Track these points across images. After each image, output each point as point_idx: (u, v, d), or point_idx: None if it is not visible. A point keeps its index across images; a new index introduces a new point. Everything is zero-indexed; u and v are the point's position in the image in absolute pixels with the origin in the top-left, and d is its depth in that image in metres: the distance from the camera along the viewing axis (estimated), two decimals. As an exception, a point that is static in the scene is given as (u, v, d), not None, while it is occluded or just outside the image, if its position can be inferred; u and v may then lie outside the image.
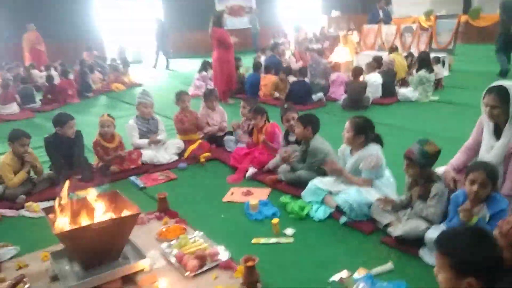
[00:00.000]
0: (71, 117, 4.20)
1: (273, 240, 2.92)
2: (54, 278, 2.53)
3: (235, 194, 3.72)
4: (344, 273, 2.42)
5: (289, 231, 3.02)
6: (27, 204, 3.65)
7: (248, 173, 4.03)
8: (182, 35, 17.29)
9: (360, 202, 2.96)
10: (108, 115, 4.39)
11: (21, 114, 7.69)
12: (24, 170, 3.82)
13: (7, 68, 10.49)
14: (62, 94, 8.46)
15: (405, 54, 8.59)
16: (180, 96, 4.86)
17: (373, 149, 3.13)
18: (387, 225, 2.85)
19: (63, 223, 2.35)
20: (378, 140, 3.24)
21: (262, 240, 2.93)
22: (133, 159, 4.39)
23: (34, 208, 3.61)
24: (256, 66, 8.13)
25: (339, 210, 3.14)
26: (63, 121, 4.14)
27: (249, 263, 2.35)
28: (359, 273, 2.43)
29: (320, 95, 7.13)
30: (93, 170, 4.27)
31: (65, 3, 14.11)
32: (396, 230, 2.71)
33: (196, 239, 2.90)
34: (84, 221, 2.39)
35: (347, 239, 2.89)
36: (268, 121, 4.34)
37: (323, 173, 3.55)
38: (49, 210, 2.53)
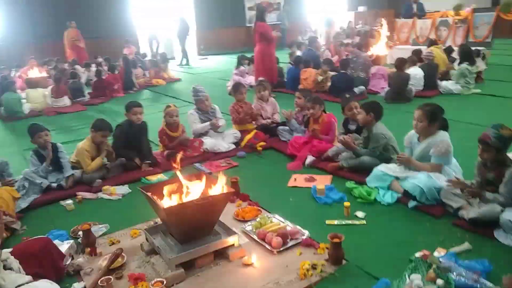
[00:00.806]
0: (137, 104, 4.43)
1: (346, 221, 3.07)
2: (150, 252, 2.75)
3: (298, 180, 3.88)
4: (425, 251, 2.54)
5: (360, 214, 3.16)
6: (104, 187, 3.90)
7: (307, 161, 4.19)
8: (212, 32, 17.52)
9: (430, 187, 3.08)
10: (174, 105, 4.61)
11: (73, 107, 8.04)
12: (101, 157, 4.07)
13: (54, 65, 10.93)
14: (109, 88, 8.78)
15: (444, 47, 8.56)
16: (238, 88, 5.04)
17: (443, 135, 3.23)
18: (458, 209, 2.96)
19: (166, 199, 2.56)
20: (445, 126, 3.34)
21: (336, 222, 3.08)
22: (196, 147, 4.61)
23: (112, 191, 3.86)
24: (296, 60, 8.26)
25: (406, 195, 3.26)
26: (129, 107, 4.38)
27: (336, 240, 2.51)
28: (439, 252, 2.56)
29: (362, 88, 7.22)
30: (158, 158, 4.51)
31: (101, 1, 14.50)
32: (470, 213, 2.82)
33: (273, 220, 3.08)
34: (184, 197, 2.59)
35: (418, 222, 3.02)
36: (325, 112, 4.48)
37: (386, 159, 3.68)
38: (147, 188, 2.73)
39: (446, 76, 7.48)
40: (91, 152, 4.05)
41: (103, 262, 2.67)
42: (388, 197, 3.32)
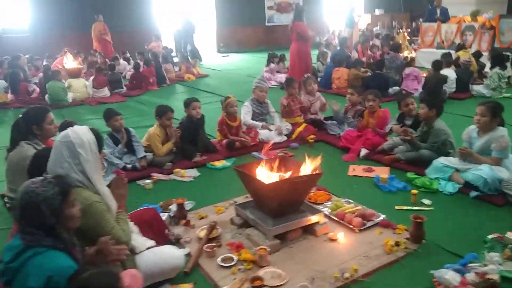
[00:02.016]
0: (195, 99, 4.69)
1: (415, 207, 3.33)
2: (242, 225, 3.01)
3: (356, 170, 4.14)
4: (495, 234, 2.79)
5: (427, 201, 3.42)
6: (175, 170, 4.17)
7: (362, 153, 4.45)
8: (232, 30, 17.80)
9: (493, 178, 3.33)
10: (233, 96, 4.88)
11: (113, 97, 8.33)
12: (171, 142, 4.34)
13: (83, 57, 11.23)
14: (145, 81, 9.06)
15: (471, 52, 8.81)
16: (291, 83, 5.29)
17: (503, 131, 3.48)
18: (519, 198, 3.21)
19: (263, 176, 2.82)
20: (502, 123, 3.59)
21: (405, 207, 3.34)
22: (252, 137, 4.87)
23: (182, 174, 4.13)
24: (333, 59, 8.52)
25: (467, 186, 3.51)
26: (188, 102, 4.64)
27: (418, 220, 2.77)
28: (510, 235, 2.80)
29: (396, 88, 7.47)
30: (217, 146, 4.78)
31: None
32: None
33: (345, 204, 3.34)
34: (278, 175, 2.85)
35: (483, 210, 3.27)
36: (380, 107, 4.74)
37: (444, 153, 3.93)
38: (240, 168, 2.99)
39: (476, 80, 7.72)
40: (161, 137, 4.32)
41: (200, 233, 2.94)
42: (449, 187, 3.57)
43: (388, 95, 7.34)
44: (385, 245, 2.74)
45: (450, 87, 7.16)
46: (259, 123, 5.09)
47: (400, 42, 12.29)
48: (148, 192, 3.85)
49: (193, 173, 4.18)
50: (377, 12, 21.66)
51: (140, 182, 4.00)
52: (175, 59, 12.44)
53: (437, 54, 10.16)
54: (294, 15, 8.02)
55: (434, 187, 3.60)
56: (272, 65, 9.65)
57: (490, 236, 2.78)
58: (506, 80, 7.29)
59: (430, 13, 12.00)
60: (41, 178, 1.78)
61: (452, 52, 8.65)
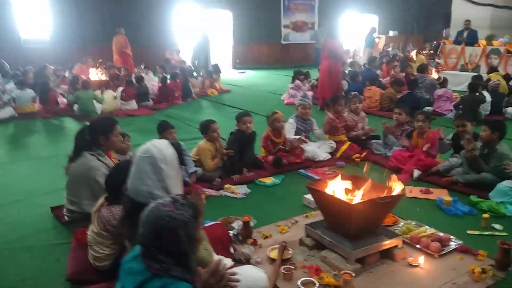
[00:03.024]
0: (246, 113, 4.60)
1: (486, 232, 3.19)
2: (314, 246, 2.88)
3: (413, 192, 4.01)
4: None
5: (497, 226, 3.28)
6: (226, 186, 4.05)
7: (415, 174, 4.32)
8: (248, 47, 17.91)
9: None
10: (280, 112, 4.79)
11: (140, 110, 8.27)
12: (220, 157, 4.23)
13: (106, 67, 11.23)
14: (171, 95, 9.02)
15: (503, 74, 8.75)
16: (338, 100, 5.21)
17: None
18: None
19: (344, 196, 2.70)
20: None
21: (477, 232, 3.20)
22: (298, 154, 4.76)
23: (233, 190, 4.01)
24: (354, 76, 8.47)
25: (537, 210, 3.38)
26: (239, 117, 4.55)
27: (505, 246, 2.63)
28: None
29: (429, 108, 7.38)
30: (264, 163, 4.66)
31: (145, 11, 14.93)
32: None
33: (415, 226, 3.20)
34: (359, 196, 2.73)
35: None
36: (429, 128, 4.63)
37: (506, 176, 3.80)
38: (314, 185, 2.87)
39: (509, 103, 7.63)
40: (212, 152, 4.22)
41: (271, 253, 2.81)
42: (518, 211, 3.44)
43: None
44: (471, 272, 2.59)
45: (485, 109, 7.07)
46: (297, 137, 4.96)
47: (419, 63, 12.28)
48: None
49: (243, 189, 4.06)
50: (391, 33, 21.80)
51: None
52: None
53: (461, 76, 10.13)
54: (327, 32, 8.01)
55: (502, 211, 3.46)
56: (297, 81, 9.60)
57: None
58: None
59: (458, 35, 12.02)
60: (168, 199, 1.64)
61: (484, 75, 8.62)
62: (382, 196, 2.65)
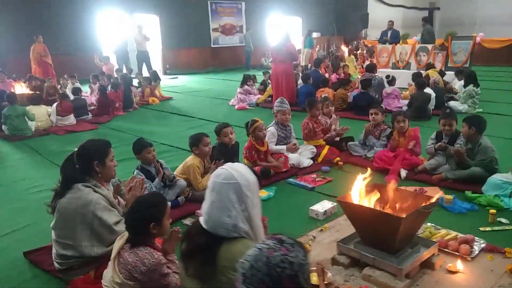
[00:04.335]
0: (225, 125, 4.27)
1: (500, 227, 3.25)
2: (349, 264, 2.68)
3: (408, 192, 4.00)
4: None
5: (503, 220, 3.36)
6: (221, 205, 3.69)
7: (403, 174, 4.34)
8: (177, 52, 17.33)
9: (562, 192, 3.38)
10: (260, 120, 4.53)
11: (81, 125, 7.44)
12: (210, 172, 3.85)
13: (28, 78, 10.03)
14: (112, 106, 8.29)
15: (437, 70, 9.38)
16: (314, 104, 5.07)
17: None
18: None
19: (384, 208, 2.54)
20: None
21: (489, 228, 3.24)
22: (283, 162, 4.54)
23: (230, 209, 3.66)
24: (305, 78, 8.48)
25: (530, 200, 3.54)
26: (218, 130, 4.23)
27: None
28: None
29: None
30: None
31: (66, 17, 13.72)
32: None
33: (435, 230, 3.16)
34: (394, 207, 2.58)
35: (559, 224, 3.29)
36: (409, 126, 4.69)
37: (492, 169, 3.95)
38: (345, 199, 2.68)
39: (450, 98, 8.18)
40: (201, 169, 3.83)
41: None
42: (513, 203, 3.57)
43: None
44: (510, 272, 2.59)
45: (431, 104, 7.48)
46: (283, 146, 4.78)
47: (346, 62, 12.78)
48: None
49: (240, 206, 3.73)
50: (314, 35, 22.54)
51: (187, 221, 3.48)
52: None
53: (394, 73, 10.66)
54: (285, 36, 7.89)
55: (501, 204, 3.57)
56: (246, 86, 9.39)
57: None
58: (479, 96, 7.79)
59: (382, 36, 12.70)
60: (272, 241, 1.33)
61: (423, 71, 9.15)
62: (425, 204, 2.54)
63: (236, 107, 9.03)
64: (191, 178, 3.77)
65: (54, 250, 2.55)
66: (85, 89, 10.64)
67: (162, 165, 3.76)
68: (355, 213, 2.64)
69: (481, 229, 3.24)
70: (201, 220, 1.87)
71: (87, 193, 2.46)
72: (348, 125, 5.51)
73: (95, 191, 2.51)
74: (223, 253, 1.76)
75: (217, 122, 7.45)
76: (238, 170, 1.82)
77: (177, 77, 15.97)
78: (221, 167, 1.91)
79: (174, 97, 10.83)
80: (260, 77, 10.97)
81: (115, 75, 10.77)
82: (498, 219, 3.38)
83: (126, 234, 2.18)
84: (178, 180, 3.70)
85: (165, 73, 16.84)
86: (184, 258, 1.89)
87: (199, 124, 7.58)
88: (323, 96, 5.58)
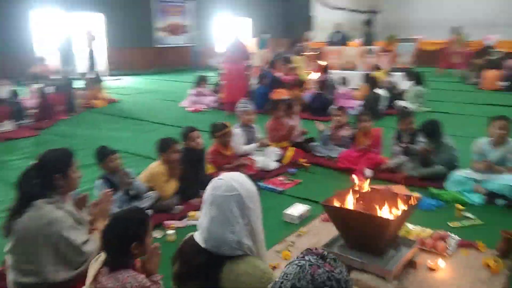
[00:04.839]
0: (192, 129, 4.03)
1: (467, 223, 3.36)
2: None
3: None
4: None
5: (468, 214, 3.48)
6: (190, 214, 3.50)
7: (368, 173, 4.39)
8: (121, 52, 16.60)
9: (518, 185, 3.57)
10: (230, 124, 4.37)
11: (20, 131, 6.80)
12: (174, 179, 3.63)
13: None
14: (54, 110, 7.69)
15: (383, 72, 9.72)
16: (278, 105, 4.99)
17: (516, 142, 3.78)
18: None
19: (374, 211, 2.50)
20: None
21: (459, 224, 3.34)
22: (250, 166, 4.42)
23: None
24: (260, 79, 8.43)
25: (490, 195, 3.70)
26: (185, 134, 3.98)
27: (508, 235, 2.77)
28: None
29: (334, 107, 7.74)
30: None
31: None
32: None
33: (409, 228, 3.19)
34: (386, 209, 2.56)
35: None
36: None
37: (453, 166, 4.10)
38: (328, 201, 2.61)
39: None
40: (165, 176, 3.59)
41: None
42: (476, 198, 3.72)
43: (329, 114, 7.60)
44: (486, 266, 2.66)
45: (383, 104, 7.72)
46: (254, 145, 4.65)
47: (298, 64, 12.95)
48: (172, 244, 3.11)
49: (211, 214, 3.55)
50: (263, 36, 22.67)
51: (156, 234, 3.23)
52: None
53: (343, 75, 10.90)
54: (236, 36, 7.74)
55: (465, 200, 3.70)
56: (199, 88, 9.14)
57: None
58: (425, 95, 8.17)
59: (331, 37, 12.99)
60: (312, 257, 1.19)
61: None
62: (410, 205, 2.53)
63: (189, 109, 8.76)
64: (156, 186, 3.53)
65: (11, 278, 2.22)
66: (21, 92, 9.81)
67: (129, 175, 3.48)
68: (340, 217, 2.58)
69: (450, 224, 3.33)
70: (197, 237, 1.69)
71: (50, 211, 2.17)
72: (305, 126, 5.51)
73: (59, 208, 2.23)
74: (227, 274, 1.59)
75: (171, 126, 7.30)
76: (238, 180, 1.66)
77: (120, 78, 15.28)
78: (218, 177, 1.73)
79: (120, 100, 10.31)
80: (213, 78, 10.74)
81: (55, 76, 10.04)
82: (463, 214, 3.49)
83: (102, 255, 1.94)
84: (148, 193, 3.44)
85: (109, 74, 16.07)
86: (179, 281, 1.70)
87: (152, 128, 7.25)
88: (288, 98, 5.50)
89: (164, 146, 3.57)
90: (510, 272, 2.62)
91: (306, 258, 1.19)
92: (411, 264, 2.67)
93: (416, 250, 2.70)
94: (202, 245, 1.64)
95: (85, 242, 2.26)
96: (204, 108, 8.78)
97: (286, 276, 1.16)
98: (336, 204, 2.61)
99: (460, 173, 3.92)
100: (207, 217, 1.64)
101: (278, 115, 4.99)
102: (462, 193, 3.80)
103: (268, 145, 4.73)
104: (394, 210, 2.59)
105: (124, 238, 1.90)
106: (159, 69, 17.78)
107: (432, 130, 4.19)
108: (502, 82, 10.61)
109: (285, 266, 1.23)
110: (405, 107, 5.16)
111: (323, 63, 10.01)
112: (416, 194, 3.65)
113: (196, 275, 1.62)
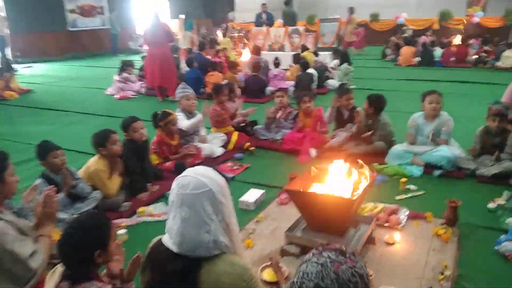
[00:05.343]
0: (134, 119, 3.72)
1: (412, 194, 3.55)
2: (300, 254, 2.61)
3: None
4: (497, 200, 3.26)
5: (412, 186, 3.69)
6: (140, 210, 3.28)
7: (313, 154, 4.46)
8: (29, 37, 15.07)
9: (453, 156, 3.85)
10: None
11: None
12: (117, 174, 3.36)
13: None
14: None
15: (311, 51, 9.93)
16: (221, 89, 4.81)
17: (448, 115, 4.05)
18: (473, 170, 3.81)
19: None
20: None
21: (404, 196, 3.52)
22: (196, 154, 4.26)
23: (151, 212, 3.28)
24: (190, 62, 8.15)
25: (428, 167, 3.96)
26: (126, 125, 3.67)
27: (453, 204, 2.97)
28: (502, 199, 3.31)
29: (271, 88, 7.77)
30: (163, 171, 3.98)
31: None
32: (491, 170, 3.69)
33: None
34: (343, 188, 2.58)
35: (455, 185, 3.74)
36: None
37: (390, 141, 4.32)
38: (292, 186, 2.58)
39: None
40: (107, 172, 3.31)
41: (266, 276, 2.41)
42: (415, 171, 3.95)
43: (265, 95, 7.62)
44: (436, 235, 2.84)
45: (315, 84, 7.90)
46: (199, 116, 4.49)
47: (225, 46, 12.80)
48: (126, 244, 2.90)
49: (162, 208, 3.36)
50: (182, 17, 21.99)
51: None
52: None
53: (269, 55, 11.01)
54: (155, 16, 7.27)
55: (405, 172, 3.91)
56: (124, 73, 8.61)
57: (489, 205, 3.24)
58: (352, 73, 8.51)
59: (257, 19, 12.92)
60: (332, 253, 1.12)
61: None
62: (370, 183, 2.59)
63: (116, 96, 8.23)
64: (98, 184, 3.23)
65: None
66: None
67: (73, 174, 3.15)
68: (305, 201, 2.57)
69: (397, 198, 3.50)
70: (167, 242, 1.53)
71: (1, 228, 1.88)
72: (243, 109, 5.42)
73: (1, 219, 1.93)
74: (206, 277, 1.48)
75: (100, 115, 6.81)
76: (206, 175, 1.53)
77: (31, 66, 13.93)
78: (182, 174, 1.58)
79: (34, 89, 9.38)
80: (139, 62, 10.16)
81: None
82: (406, 186, 3.69)
83: (59, 267, 1.72)
84: (92, 193, 3.15)
85: (16, 62, 14.53)
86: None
87: (79, 118, 6.71)
88: (226, 81, 5.35)
89: (102, 139, 3.27)
90: (458, 238, 2.82)
91: (325, 254, 1.13)
92: (370, 240, 2.75)
93: (373, 226, 2.79)
94: (175, 249, 1.50)
95: (32, 254, 2.00)
96: (132, 95, 8.32)
97: (307, 276, 1.09)
98: (298, 188, 2.59)
99: (398, 147, 4.12)
100: (177, 219, 1.50)
101: (221, 99, 4.84)
102: (402, 166, 4.01)
103: (206, 141, 4.56)
104: (353, 188, 2.63)
105: (86, 248, 1.70)
106: (74, 55, 16.51)
107: (380, 104, 4.34)
108: (416, 58, 11.43)
109: (301, 265, 1.16)
110: (344, 84, 5.27)
111: (255, 44, 9.93)
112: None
113: (172, 282, 1.48)
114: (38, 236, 2.13)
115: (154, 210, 3.31)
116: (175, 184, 1.55)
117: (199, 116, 4.44)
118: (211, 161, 4.34)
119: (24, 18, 14.76)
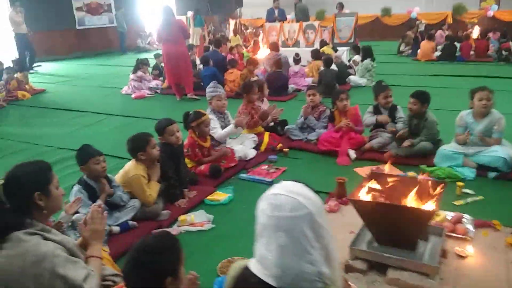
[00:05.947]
0: (169, 122, 3.44)
1: (471, 199, 3.29)
2: (368, 268, 2.37)
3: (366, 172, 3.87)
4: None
5: (467, 190, 3.43)
6: (181, 218, 3.03)
7: (353, 155, 4.20)
8: (37, 36, 14.83)
9: (510, 156, 3.58)
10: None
11: None
12: (155, 180, 3.12)
13: None
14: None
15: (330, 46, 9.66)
16: (251, 88, 4.56)
17: (499, 113, 3.78)
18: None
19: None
20: None
21: (463, 202, 3.26)
22: (230, 157, 4.01)
23: (192, 220, 3.04)
24: (206, 60, 7.90)
25: (481, 168, 3.70)
26: (161, 128, 3.42)
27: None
28: None
29: (293, 86, 7.51)
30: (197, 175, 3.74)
31: None
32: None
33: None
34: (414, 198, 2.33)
35: (512, 187, 3.49)
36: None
37: (437, 141, 4.05)
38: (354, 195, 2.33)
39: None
40: (146, 177, 3.07)
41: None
42: (468, 173, 3.68)
43: (287, 93, 7.36)
44: (510, 246, 2.59)
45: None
46: (231, 125, 4.23)
47: (237, 43, 12.54)
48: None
49: (203, 216, 3.12)
50: (189, 14, 21.74)
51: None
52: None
53: (284, 52, 10.74)
54: (167, 10, 6.99)
55: (459, 175, 3.65)
56: (139, 72, 8.36)
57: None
58: (375, 69, 8.22)
59: (269, 14, 12.65)
60: None
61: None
62: (440, 191, 2.33)
63: (132, 96, 7.99)
64: (137, 191, 3.00)
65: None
66: None
67: (111, 182, 2.91)
68: (371, 212, 2.32)
69: (455, 203, 3.25)
70: (259, 272, 1.28)
71: (36, 244, 1.64)
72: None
73: (46, 238, 1.70)
74: None
75: (119, 116, 6.56)
76: (300, 193, 1.27)
77: (40, 65, 13.71)
78: (272, 192, 1.32)
79: (48, 89, 9.17)
80: (152, 61, 9.91)
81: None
82: (463, 190, 3.43)
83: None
84: (130, 201, 2.91)
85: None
86: None
87: (97, 119, 6.47)
88: (254, 79, 5.09)
89: (142, 143, 3.03)
90: (535, 249, 2.57)
91: None
92: (441, 253, 2.50)
93: (445, 238, 2.54)
94: (273, 283, 1.25)
95: (85, 278, 1.76)
96: (148, 94, 8.08)
97: None
98: (362, 197, 2.34)
99: (447, 148, 3.86)
100: (272, 247, 1.25)
101: (251, 98, 4.59)
102: (453, 169, 3.75)
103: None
104: (424, 199, 2.38)
105: (158, 275, 1.46)
106: (82, 53, 16.29)
107: (426, 99, 4.07)
108: (436, 53, 11.13)
109: None
110: (381, 81, 5.00)
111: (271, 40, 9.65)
112: (412, 173, 3.57)
113: None
114: (88, 257, 1.89)
115: (196, 219, 3.07)
116: (265, 203, 1.30)
117: (232, 127, 4.18)
118: (244, 164, 4.09)
119: (31, 17, 14.52)
